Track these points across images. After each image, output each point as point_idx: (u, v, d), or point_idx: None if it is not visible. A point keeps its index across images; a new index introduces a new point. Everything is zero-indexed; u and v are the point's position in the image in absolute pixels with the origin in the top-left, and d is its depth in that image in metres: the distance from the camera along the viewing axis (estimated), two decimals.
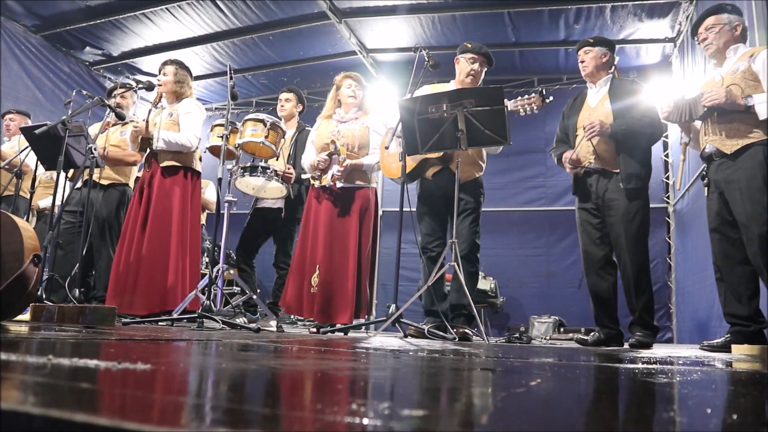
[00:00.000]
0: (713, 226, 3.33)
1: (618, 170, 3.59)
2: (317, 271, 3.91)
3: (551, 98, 3.80)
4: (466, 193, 3.84)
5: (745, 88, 3.14)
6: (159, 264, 4.00)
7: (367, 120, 4.18)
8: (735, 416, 0.73)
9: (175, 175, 4.19)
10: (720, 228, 3.29)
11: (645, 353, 2.67)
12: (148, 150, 4.29)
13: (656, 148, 7.61)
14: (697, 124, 3.44)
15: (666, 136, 7.76)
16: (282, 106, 4.90)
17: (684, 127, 3.52)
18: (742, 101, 3.09)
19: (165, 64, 4.40)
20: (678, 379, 1.26)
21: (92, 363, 0.89)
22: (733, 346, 3.10)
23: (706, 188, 3.38)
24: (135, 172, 4.90)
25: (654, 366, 1.64)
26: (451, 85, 4.01)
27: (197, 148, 4.32)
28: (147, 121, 4.27)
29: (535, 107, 3.63)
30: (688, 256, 6.61)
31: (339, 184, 3.99)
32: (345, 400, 0.73)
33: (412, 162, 3.90)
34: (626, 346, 3.60)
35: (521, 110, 3.66)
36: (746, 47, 3.38)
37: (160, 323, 3.49)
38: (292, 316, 7.27)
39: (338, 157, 3.96)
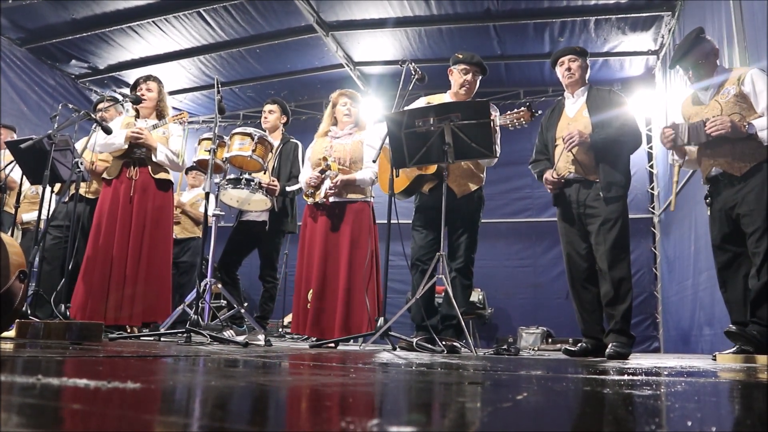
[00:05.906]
0: (716, 243, 3.36)
1: (598, 179, 3.61)
2: (312, 288, 3.96)
3: (540, 112, 3.84)
4: (464, 208, 3.84)
5: (740, 112, 3.21)
6: (159, 276, 4.14)
7: (362, 135, 4.19)
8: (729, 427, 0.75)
9: (167, 190, 4.32)
10: (722, 246, 3.32)
11: (631, 364, 2.69)
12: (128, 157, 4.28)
13: (641, 159, 7.75)
14: (692, 147, 3.47)
15: (650, 147, 7.86)
16: (266, 117, 4.80)
17: (679, 151, 3.55)
18: (745, 129, 3.15)
19: (147, 79, 4.41)
20: (663, 390, 1.28)
21: (81, 382, 0.89)
22: (717, 356, 3.13)
23: (709, 208, 3.41)
24: None
25: (640, 377, 1.66)
26: (447, 97, 4.04)
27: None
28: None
29: (524, 121, 3.66)
30: (671, 267, 6.68)
31: (332, 199, 3.99)
32: (333, 417, 0.73)
33: (407, 178, 3.91)
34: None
35: (510, 125, 3.68)
36: (725, 67, 3.48)
37: (146, 338, 3.47)
38: (280, 329, 7.25)
39: (330, 173, 3.95)
